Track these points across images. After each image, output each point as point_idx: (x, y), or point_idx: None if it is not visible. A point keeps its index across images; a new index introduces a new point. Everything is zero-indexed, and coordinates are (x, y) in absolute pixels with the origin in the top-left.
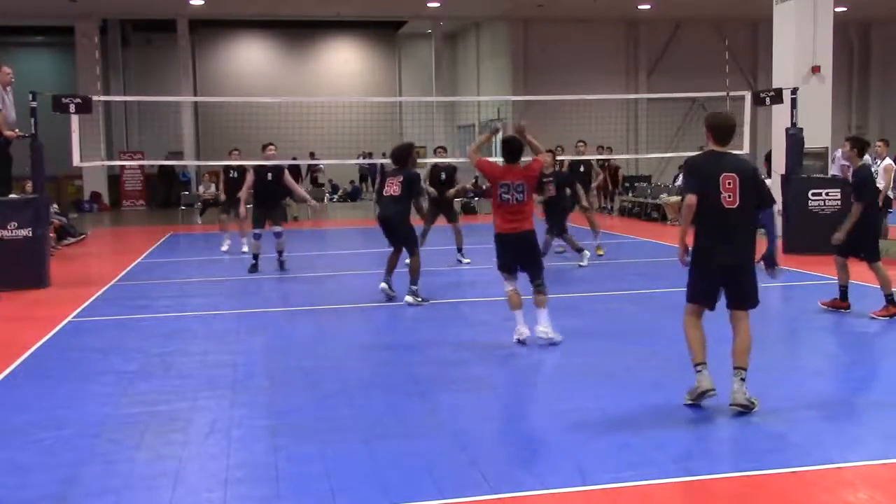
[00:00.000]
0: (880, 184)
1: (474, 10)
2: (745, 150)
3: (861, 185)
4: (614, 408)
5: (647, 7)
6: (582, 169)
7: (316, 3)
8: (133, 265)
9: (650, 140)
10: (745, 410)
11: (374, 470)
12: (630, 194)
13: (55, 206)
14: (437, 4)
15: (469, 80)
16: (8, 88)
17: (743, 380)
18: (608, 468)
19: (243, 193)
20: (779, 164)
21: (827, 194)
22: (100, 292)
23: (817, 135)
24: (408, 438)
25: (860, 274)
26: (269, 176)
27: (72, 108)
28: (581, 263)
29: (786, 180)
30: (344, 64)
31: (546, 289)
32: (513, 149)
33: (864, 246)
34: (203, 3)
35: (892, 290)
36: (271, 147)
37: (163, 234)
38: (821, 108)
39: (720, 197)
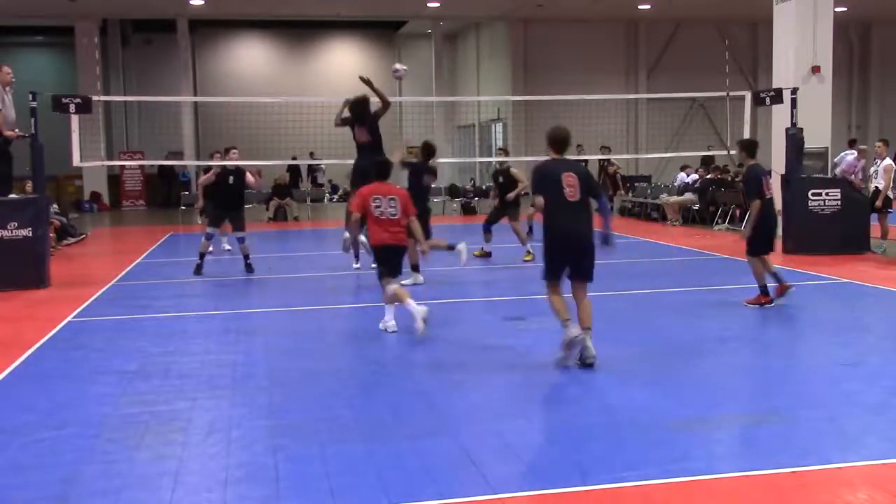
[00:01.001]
0: (880, 184)
1: (474, 10)
2: None
3: (747, 184)
4: (614, 407)
5: (647, 7)
6: (501, 180)
7: (316, 3)
8: (133, 265)
9: (650, 140)
10: (591, 366)
11: (374, 470)
12: (630, 194)
13: (55, 206)
14: (437, 4)
15: (469, 80)
16: (8, 88)
17: (589, 337)
18: (608, 468)
19: (199, 190)
20: (779, 164)
21: (827, 194)
22: (100, 292)
23: (817, 135)
24: (408, 438)
25: (861, 273)
26: (231, 179)
27: (72, 108)
28: (416, 281)
29: (786, 180)
30: (344, 64)
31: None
32: (383, 169)
33: (751, 241)
34: (203, 3)
35: (765, 283)
36: (234, 151)
37: (163, 234)
38: (821, 108)
39: (564, 193)
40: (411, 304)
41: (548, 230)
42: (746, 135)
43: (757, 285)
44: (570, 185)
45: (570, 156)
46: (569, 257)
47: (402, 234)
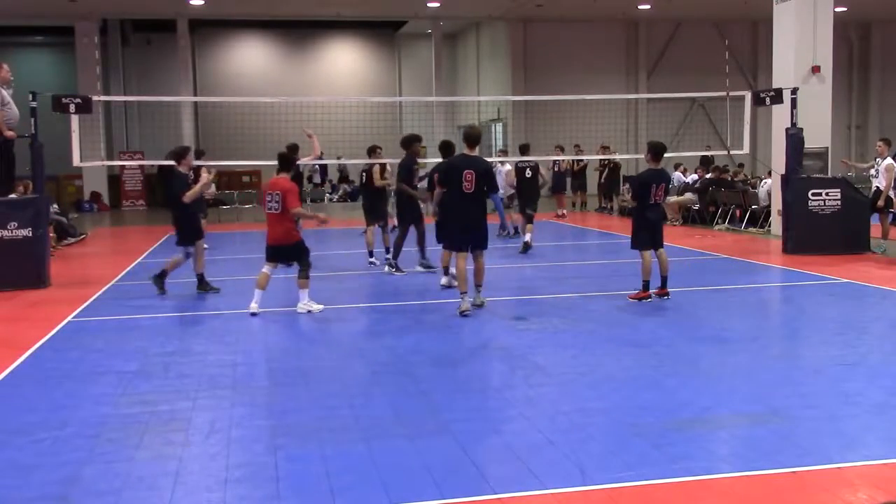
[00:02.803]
0: (881, 183)
1: (474, 10)
2: (745, 150)
3: (632, 184)
4: (614, 408)
5: (647, 7)
6: (529, 174)
7: (316, 3)
8: (133, 265)
9: (650, 140)
10: (481, 307)
11: (374, 470)
12: (630, 194)
13: (55, 205)
14: (437, 4)
15: (469, 80)
16: (8, 87)
17: (480, 291)
18: (608, 468)
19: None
20: (779, 164)
21: (827, 194)
22: (100, 292)
23: (817, 135)
24: (408, 438)
25: (861, 273)
26: None
27: (72, 108)
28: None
29: (786, 180)
30: (344, 64)
31: (307, 274)
32: (280, 161)
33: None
34: (203, 3)
35: (649, 278)
36: None
37: (163, 234)
38: (821, 108)
39: (462, 185)
40: (258, 294)
41: (447, 212)
42: (747, 135)
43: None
44: (468, 181)
45: (569, 155)
46: (463, 234)
47: (280, 230)
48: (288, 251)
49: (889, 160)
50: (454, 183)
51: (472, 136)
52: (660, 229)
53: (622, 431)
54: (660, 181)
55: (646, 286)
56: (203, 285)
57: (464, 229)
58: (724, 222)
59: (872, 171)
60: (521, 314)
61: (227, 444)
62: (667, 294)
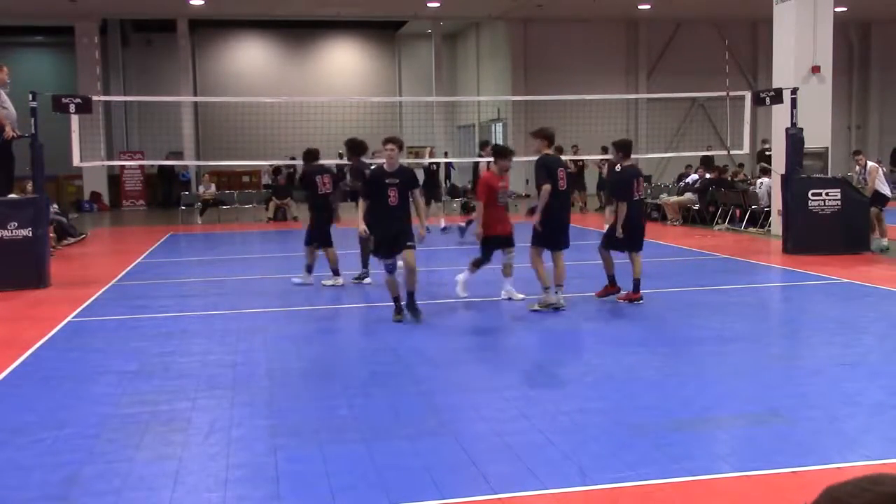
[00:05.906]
0: (879, 188)
1: (474, 10)
2: (745, 150)
3: (618, 186)
4: (614, 408)
5: (647, 7)
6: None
7: (316, 3)
8: (133, 265)
9: (650, 140)
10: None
11: (374, 470)
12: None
13: (55, 205)
14: (437, 4)
15: (469, 80)
16: (5, 88)
17: (560, 291)
18: (608, 468)
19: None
20: (779, 164)
21: (827, 194)
22: (100, 292)
23: (817, 135)
24: (408, 438)
25: (861, 273)
26: None
27: (72, 108)
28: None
29: (786, 180)
30: (344, 64)
31: (510, 260)
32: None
33: (628, 241)
34: (203, 3)
35: (612, 275)
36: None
37: (163, 234)
38: (821, 108)
39: (559, 183)
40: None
41: (549, 209)
42: (746, 135)
43: (606, 275)
44: (562, 178)
45: (567, 156)
46: (561, 228)
47: (491, 220)
48: (498, 240)
49: (871, 164)
50: (553, 181)
51: (551, 135)
52: (643, 229)
53: (622, 431)
54: (638, 175)
55: (612, 280)
56: (411, 309)
57: (561, 227)
58: (724, 222)
59: (862, 179)
60: (522, 314)
61: (227, 444)
62: (617, 291)
